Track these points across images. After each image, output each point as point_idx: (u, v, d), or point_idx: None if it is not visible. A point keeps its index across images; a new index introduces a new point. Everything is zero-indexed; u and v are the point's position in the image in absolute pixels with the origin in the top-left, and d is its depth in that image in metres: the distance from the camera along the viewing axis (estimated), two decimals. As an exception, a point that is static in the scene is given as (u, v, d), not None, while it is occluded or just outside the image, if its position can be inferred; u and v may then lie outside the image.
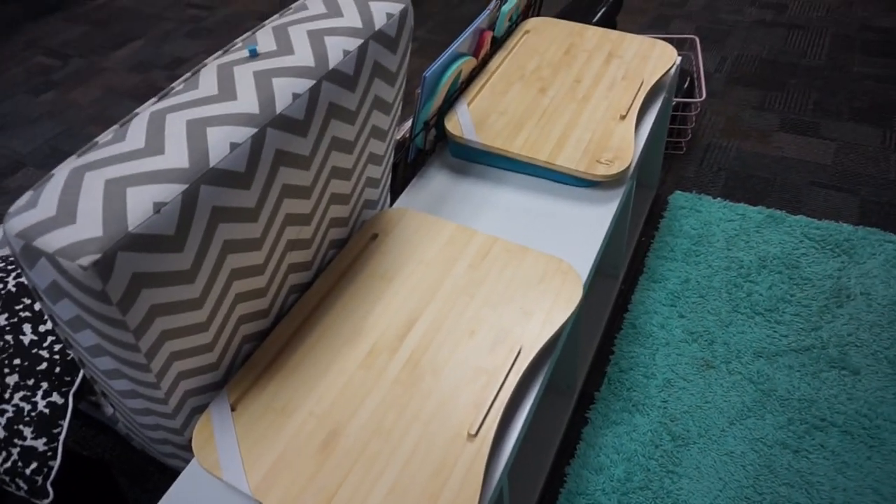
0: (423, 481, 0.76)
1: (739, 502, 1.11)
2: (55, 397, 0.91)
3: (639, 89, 1.29)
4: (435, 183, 1.23)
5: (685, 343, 1.35)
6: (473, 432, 0.79)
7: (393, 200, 1.23)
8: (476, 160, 1.26)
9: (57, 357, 0.94)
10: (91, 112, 2.34)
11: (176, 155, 0.67)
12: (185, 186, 0.66)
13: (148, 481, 1.21)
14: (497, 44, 1.44)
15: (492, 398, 0.83)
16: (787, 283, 1.43)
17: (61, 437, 0.88)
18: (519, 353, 0.87)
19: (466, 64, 1.27)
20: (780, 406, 1.23)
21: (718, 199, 1.65)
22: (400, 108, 1.03)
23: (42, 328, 0.96)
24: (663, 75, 1.34)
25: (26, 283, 1.04)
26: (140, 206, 0.63)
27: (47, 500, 0.84)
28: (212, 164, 0.69)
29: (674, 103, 1.76)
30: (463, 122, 1.24)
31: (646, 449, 1.19)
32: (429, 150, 1.30)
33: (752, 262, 1.48)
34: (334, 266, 1.01)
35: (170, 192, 0.65)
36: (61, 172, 0.65)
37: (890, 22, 2.19)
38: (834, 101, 1.91)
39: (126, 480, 1.21)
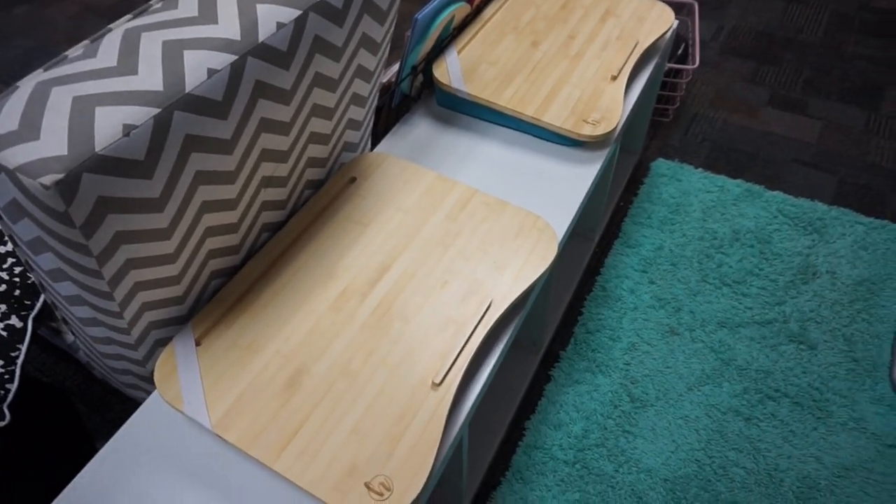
0: (386, 425, 0.77)
1: (689, 464, 1.15)
2: (13, 320, 0.89)
3: (632, 51, 1.27)
4: (418, 131, 1.21)
5: (652, 309, 1.37)
6: (438, 381, 0.80)
7: (374, 145, 1.20)
8: (462, 110, 1.23)
9: (17, 280, 0.91)
10: (67, 30, 2.24)
11: (150, 77, 0.64)
12: (157, 111, 0.63)
13: (109, 410, 1.21)
14: (492, -9, 1.39)
15: (458, 349, 0.83)
16: (758, 257, 1.45)
17: (19, 361, 0.87)
18: (489, 306, 0.88)
19: (460, 10, 1.23)
20: (737, 375, 1.26)
21: (700, 169, 1.65)
22: (388, 49, 1.00)
23: (2, 249, 0.93)
24: (658, 38, 1.32)
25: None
26: (109, 127, 0.60)
27: (3, 423, 0.84)
28: (188, 89, 0.66)
29: (665, 69, 1.74)
30: (452, 70, 1.21)
31: (605, 408, 1.22)
32: (414, 96, 1.27)
33: (726, 233, 1.50)
34: (310, 207, 0.99)
35: (141, 114, 0.62)
36: (26, 85, 0.61)
37: (889, 3, 2.17)
38: (825, 80, 1.90)
39: (85, 409, 1.21)
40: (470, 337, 0.84)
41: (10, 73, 2.07)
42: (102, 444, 1.13)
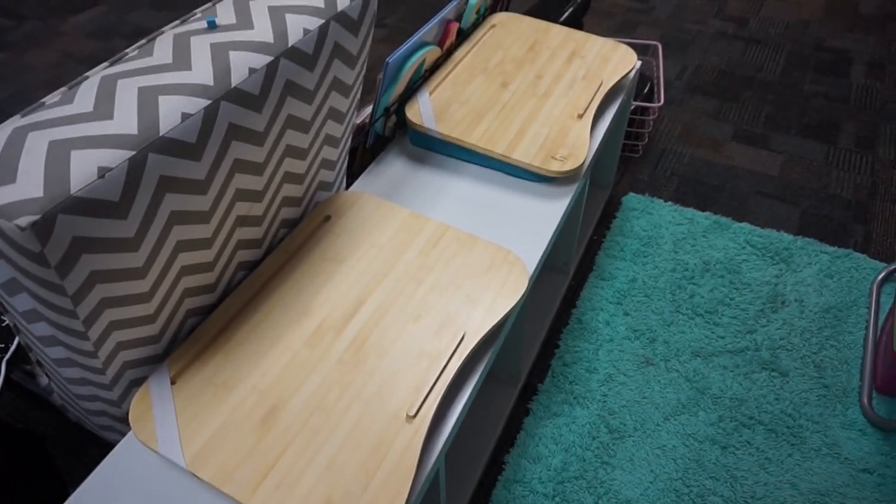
0: (361, 458, 0.77)
1: (668, 493, 1.15)
2: (-12, 363, 0.89)
3: (597, 90, 1.32)
4: (392, 169, 1.24)
5: (628, 340, 1.39)
6: (412, 413, 0.81)
7: (350, 184, 1.23)
8: (434, 149, 1.27)
9: (-8, 322, 0.91)
10: (46, 77, 2.27)
11: (125, 121, 0.67)
12: (132, 153, 0.66)
13: (84, 455, 1.19)
14: (463, 36, 1.45)
15: (432, 381, 0.84)
16: (728, 287, 1.48)
17: (-7, 404, 0.86)
18: (462, 338, 0.89)
19: (431, 53, 1.27)
20: (712, 404, 1.28)
21: (669, 202, 1.70)
22: (360, 91, 1.03)
23: (-22, 292, 0.93)
24: (622, 78, 1.37)
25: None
26: (84, 169, 0.62)
27: (-25, 467, 0.83)
28: (162, 132, 0.68)
29: (633, 107, 1.81)
30: (423, 111, 1.25)
31: (583, 440, 1.23)
32: (388, 136, 1.31)
33: (697, 265, 1.53)
34: (285, 245, 1.01)
35: (116, 157, 0.64)
36: (3, 131, 0.63)
37: (843, 43, 2.28)
38: (785, 116, 1.98)
39: (61, 454, 1.19)
40: (444, 369, 0.86)
41: (-11, 120, 2.08)
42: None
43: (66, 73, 2.28)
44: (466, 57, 1.40)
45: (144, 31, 2.49)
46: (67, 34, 2.48)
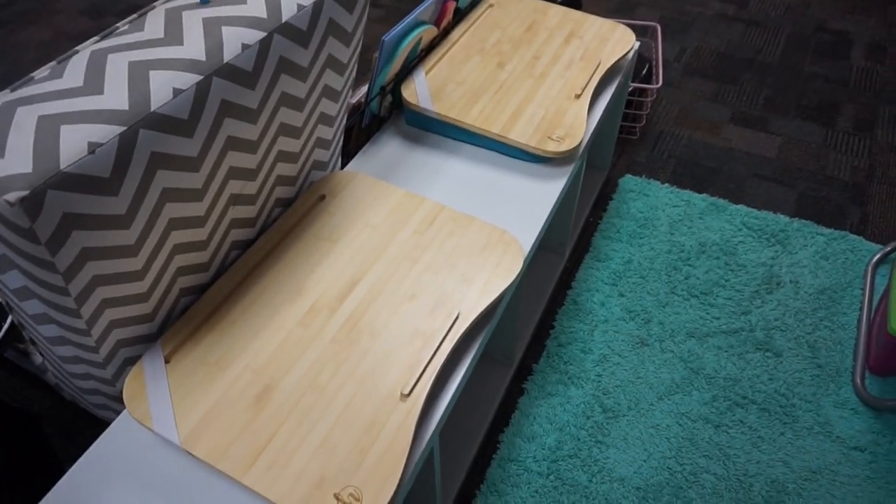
0: (354, 437, 0.77)
1: (661, 471, 1.16)
2: (-18, 341, 0.89)
3: (595, 70, 1.31)
4: (388, 149, 1.23)
5: (623, 321, 1.39)
6: (406, 392, 0.81)
7: (345, 164, 1.22)
8: (430, 129, 1.26)
9: (-15, 301, 0.91)
10: (37, 54, 2.24)
11: (115, 96, 0.66)
12: (123, 129, 0.65)
13: (78, 435, 1.20)
14: (460, 15, 1.43)
15: (427, 360, 0.84)
16: (724, 269, 1.48)
17: (-13, 382, 0.86)
18: (456, 318, 0.89)
19: (427, 32, 1.26)
20: (706, 384, 1.28)
21: (666, 184, 1.70)
22: (355, 69, 1.02)
23: (-30, 270, 0.93)
24: (620, 59, 1.36)
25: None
26: (74, 144, 0.61)
27: (-30, 445, 0.83)
28: (153, 108, 0.67)
29: (631, 89, 1.79)
30: (420, 91, 1.24)
31: (577, 420, 1.24)
32: (384, 116, 1.30)
33: (693, 246, 1.53)
34: (279, 224, 1.01)
35: (106, 132, 0.64)
36: (-9, 105, 0.63)
37: (843, 25, 2.27)
38: (783, 98, 1.97)
39: (55, 433, 1.19)
40: (438, 348, 0.86)
41: (-19, 99, 2.06)
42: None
43: (60, 51, 2.25)
44: (463, 37, 1.38)
45: (137, 9, 2.45)
46: (61, 12, 2.45)
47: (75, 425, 1.19)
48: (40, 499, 0.78)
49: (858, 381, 1.26)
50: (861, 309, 1.39)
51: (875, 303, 1.40)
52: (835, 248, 1.51)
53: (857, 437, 1.19)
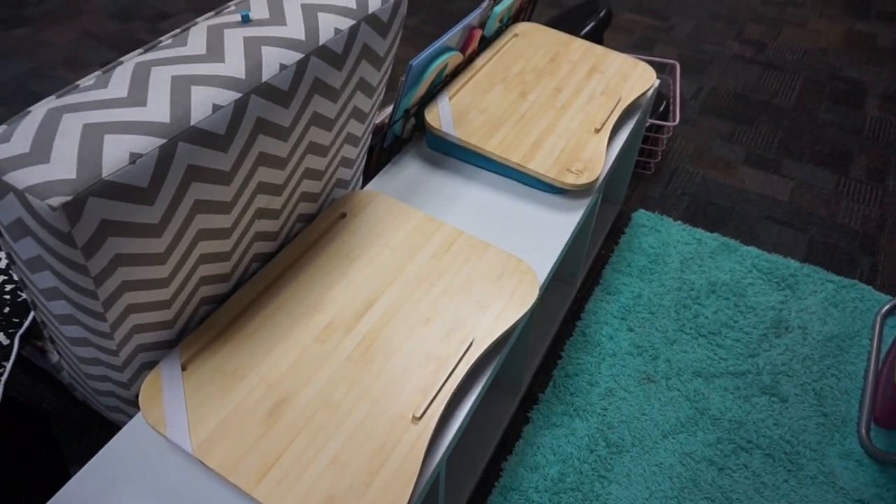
0: (365, 457, 0.78)
1: (662, 511, 1.16)
2: (0, 337, 0.90)
3: (615, 106, 1.33)
4: (408, 171, 1.25)
5: (630, 356, 1.40)
6: (418, 415, 0.82)
7: (365, 183, 1.24)
8: (451, 154, 1.28)
9: (7, 297, 0.92)
10: (64, 54, 2.28)
11: (158, 108, 0.68)
12: (163, 141, 0.66)
13: (85, 434, 1.20)
14: (485, 43, 1.46)
15: (440, 385, 0.85)
16: (733, 310, 1.49)
17: (3, 378, 0.87)
18: (471, 344, 0.90)
19: (453, 58, 1.28)
20: (711, 425, 1.28)
21: (679, 221, 1.71)
22: (383, 92, 1.04)
23: (-6, 267, 0.94)
24: (640, 96, 1.38)
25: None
26: (116, 154, 0.63)
27: (-19, 440, 0.83)
28: (192, 122, 0.69)
29: (648, 124, 1.82)
30: (443, 115, 1.26)
31: (581, 452, 1.24)
32: (405, 138, 1.32)
33: (703, 285, 1.54)
34: (300, 240, 1.02)
35: (147, 144, 0.65)
36: (39, 110, 0.64)
37: (858, 74, 2.30)
38: (797, 143, 1.99)
39: (63, 432, 1.19)
40: (451, 373, 0.87)
41: (6, 93, 2.09)
42: (76, 469, 1.12)
43: (85, 52, 2.29)
44: (488, 64, 1.41)
45: (166, 16, 2.50)
46: (88, 13, 2.49)
47: (83, 426, 1.20)
48: (42, 494, 0.78)
49: (864, 432, 1.26)
50: (868, 359, 1.39)
51: (883, 354, 1.40)
52: (844, 297, 1.52)
53: (861, 490, 1.19)
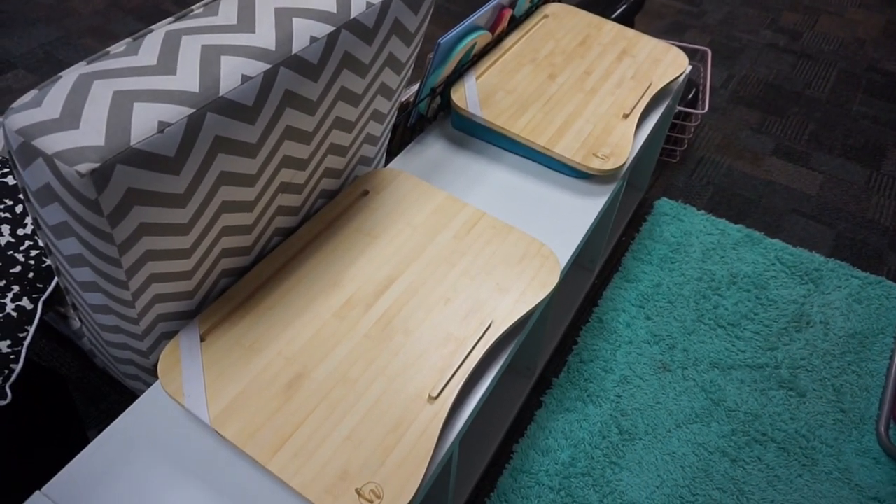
0: (381, 434, 0.78)
1: (673, 500, 1.16)
2: (24, 302, 0.91)
3: (645, 91, 1.31)
4: (432, 151, 1.24)
5: (647, 344, 1.39)
6: (435, 395, 0.82)
7: (388, 161, 1.23)
8: (476, 135, 1.27)
9: (32, 262, 0.93)
10: (91, 23, 2.28)
11: (187, 78, 0.67)
12: (192, 110, 0.66)
13: (103, 401, 1.22)
14: (515, 23, 1.43)
15: (457, 365, 0.85)
16: (753, 302, 1.47)
17: (26, 342, 0.88)
18: (489, 326, 0.90)
19: (482, 38, 1.26)
20: (726, 416, 1.27)
21: (702, 211, 1.69)
22: (411, 69, 1.03)
23: (21, 231, 0.95)
24: (671, 81, 1.36)
25: (12, 182, 1.03)
26: (145, 122, 0.63)
27: (4, 402, 0.85)
28: (221, 92, 0.69)
29: (675, 111, 1.78)
30: (469, 95, 1.24)
31: (593, 438, 1.23)
32: (430, 117, 1.31)
33: (724, 276, 1.52)
34: (322, 215, 1.02)
35: (176, 113, 0.65)
36: (69, 76, 0.64)
37: (895, 66, 2.23)
38: (829, 135, 1.95)
39: (81, 397, 1.21)
40: (469, 354, 0.86)
41: (33, 60, 2.10)
42: (94, 433, 1.14)
43: (111, 22, 2.29)
44: (516, 45, 1.38)
45: (192, -13, 2.49)
46: (116, -18, 2.48)
47: (101, 391, 1.22)
48: (61, 457, 0.79)
49: (882, 430, 1.24)
50: (891, 357, 1.37)
51: (905, 353, 1.38)
52: (869, 293, 1.49)
53: (877, 488, 1.18)
